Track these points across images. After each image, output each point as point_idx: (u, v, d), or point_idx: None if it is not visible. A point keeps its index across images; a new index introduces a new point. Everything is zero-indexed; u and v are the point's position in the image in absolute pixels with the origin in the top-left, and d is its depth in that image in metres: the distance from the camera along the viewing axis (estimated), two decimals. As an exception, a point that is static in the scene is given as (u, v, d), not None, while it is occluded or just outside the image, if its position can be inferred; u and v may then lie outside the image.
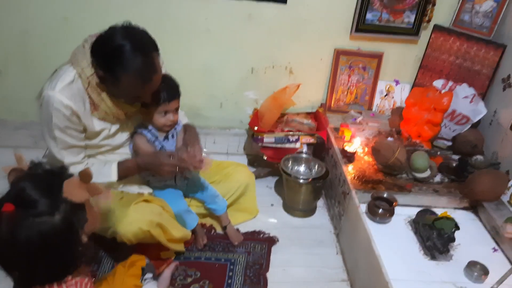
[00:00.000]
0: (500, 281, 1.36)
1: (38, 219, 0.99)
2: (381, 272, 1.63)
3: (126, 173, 1.73)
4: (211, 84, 2.49)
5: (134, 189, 1.82)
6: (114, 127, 1.74)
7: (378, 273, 1.65)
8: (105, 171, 1.69)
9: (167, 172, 1.71)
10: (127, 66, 1.46)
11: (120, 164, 1.72)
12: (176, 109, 1.78)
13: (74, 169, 1.56)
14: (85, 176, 1.10)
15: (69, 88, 1.54)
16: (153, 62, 1.52)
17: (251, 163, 2.61)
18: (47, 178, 1.06)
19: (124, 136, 1.80)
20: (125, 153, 1.82)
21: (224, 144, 2.66)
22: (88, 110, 1.62)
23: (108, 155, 1.78)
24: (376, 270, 1.67)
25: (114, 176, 1.69)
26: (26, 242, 0.98)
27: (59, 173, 1.09)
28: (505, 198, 2.07)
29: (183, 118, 1.98)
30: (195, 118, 2.00)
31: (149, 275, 1.64)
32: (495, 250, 1.94)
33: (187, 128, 1.91)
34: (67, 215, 1.04)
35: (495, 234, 1.99)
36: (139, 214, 1.61)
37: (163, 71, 1.82)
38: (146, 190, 1.84)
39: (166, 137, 1.84)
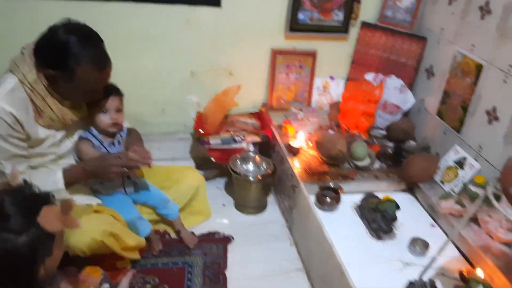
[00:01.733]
0: (439, 252, 1.50)
1: (5, 235, 0.97)
2: (334, 257, 1.72)
3: (72, 179, 1.68)
4: (152, 90, 2.48)
5: (82, 200, 1.78)
6: (60, 134, 1.70)
7: (332, 258, 1.73)
8: (51, 178, 1.64)
9: (116, 173, 1.69)
10: (79, 57, 1.48)
11: (66, 171, 1.67)
12: (118, 109, 1.77)
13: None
14: (66, 206, 1.08)
15: (11, 96, 1.51)
16: (104, 50, 1.57)
17: (198, 166, 2.62)
18: (30, 198, 1.04)
19: (69, 143, 1.76)
20: (70, 163, 1.78)
21: (169, 150, 2.65)
22: (32, 117, 1.58)
23: (52, 166, 1.73)
24: (329, 255, 1.75)
25: (60, 184, 1.63)
26: None
27: (44, 198, 1.06)
28: (437, 178, 2.25)
29: (124, 124, 1.96)
30: (137, 125, 1.98)
31: (106, 286, 1.61)
32: (432, 225, 2.11)
33: (129, 131, 1.91)
34: (34, 241, 1.01)
35: (432, 211, 2.16)
36: (91, 225, 1.58)
37: None
38: (95, 201, 1.81)
39: (112, 143, 1.82)
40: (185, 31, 2.39)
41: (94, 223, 1.59)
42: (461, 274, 1.73)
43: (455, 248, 1.93)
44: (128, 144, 1.84)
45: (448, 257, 1.86)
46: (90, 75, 1.54)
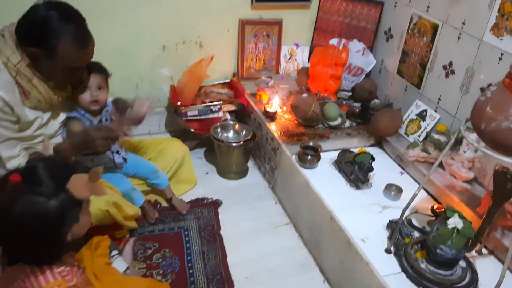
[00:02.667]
0: (414, 194, 1.68)
1: (37, 198, 1.03)
2: (322, 206, 1.88)
3: (63, 156, 1.69)
4: (124, 66, 2.49)
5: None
6: (46, 115, 1.72)
7: (320, 207, 1.89)
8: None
9: (101, 145, 1.70)
10: (61, 32, 1.49)
11: (56, 149, 1.70)
12: (100, 86, 1.79)
13: (13, 163, 1.57)
14: (95, 175, 1.15)
15: None
16: (86, 28, 1.58)
17: (176, 139, 2.69)
18: (60, 166, 1.10)
19: (56, 123, 1.78)
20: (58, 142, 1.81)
21: (144, 125, 2.65)
22: (18, 99, 1.59)
23: (41, 147, 1.75)
24: (318, 205, 1.91)
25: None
26: (17, 216, 1.02)
27: (73, 167, 1.12)
28: (402, 130, 2.46)
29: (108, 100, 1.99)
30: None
31: (115, 252, 1.69)
32: (402, 173, 2.32)
33: (114, 103, 1.94)
34: (63, 206, 1.08)
35: (400, 161, 2.37)
36: (96, 196, 1.64)
37: None
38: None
39: (100, 121, 1.86)
40: (153, 5, 2.41)
41: (98, 193, 1.65)
42: (432, 210, 1.94)
43: (423, 189, 2.15)
44: (119, 108, 1.89)
45: (418, 198, 2.07)
46: (71, 52, 1.54)
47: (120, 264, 1.69)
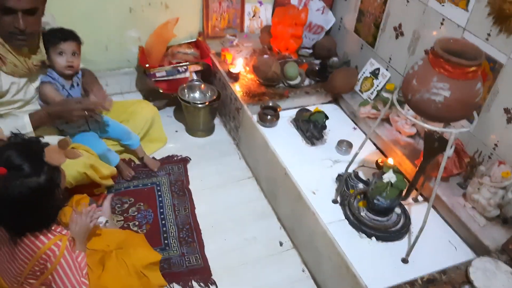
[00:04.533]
0: (360, 148, 1.91)
1: (27, 179, 1.22)
2: (278, 162, 2.10)
3: (38, 123, 1.87)
4: (93, 29, 2.56)
5: (51, 140, 1.98)
6: (23, 81, 1.86)
7: (276, 164, 2.12)
8: (19, 124, 1.82)
9: (78, 117, 1.90)
10: None
11: (31, 116, 1.86)
12: (74, 53, 1.93)
13: None
14: (64, 143, 1.33)
15: None
16: None
17: (146, 97, 2.82)
18: (27, 146, 1.27)
19: (33, 88, 1.92)
20: (35, 109, 1.95)
21: (116, 84, 2.82)
22: None
23: (19, 113, 1.90)
24: (274, 162, 2.14)
25: (28, 127, 1.83)
26: (19, 197, 1.21)
27: (36, 141, 1.29)
28: (357, 88, 2.66)
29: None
30: (83, 64, 2.15)
31: (93, 205, 1.91)
32: (354, 128, 2.55)
33: (83, 72, 2.09)
34: (50, 175, 1.28)
35: (353, 117, 2.59)
36: (74, 160, 1.82)
37: (55, 26, 1.97)
38: (64, 140, 2.03)
39: (72, 85, 2.01)
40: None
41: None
42: (377, 163, 2.20)
43: (372, 144, 2.39)
44: (85, 85, 2.05)
45: (367, 152, 2.33)
46: None
47: (99, 218, 1.92)
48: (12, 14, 1.64)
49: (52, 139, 1.96)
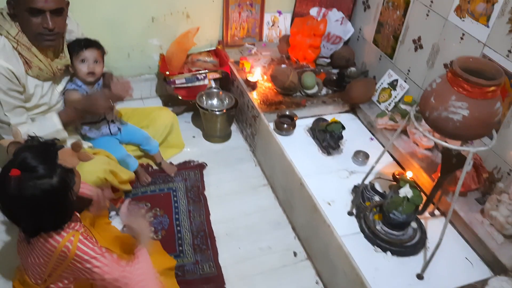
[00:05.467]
0: (377, 161, 1.91)
1: (40, 181, 1.24)
2: (293, 172, 2.12)
3: (67, 119, 1.92)
4: (116, 37, 2.63)
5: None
6: (47, 85, 1.92)
7: (292, 173, 2.13)
8: (48, 123, 1.88)
9: (104, 107, 1.92)
10: None
11: (60, 113, 1.91)
12: (95, 60, 1.98)
13: (23, 129, 1.79)
14: (77, 146, 1.36)
15: (3, 52, 1.71)
16: None
17: (166, 103, 2.88)
18: (43, 148, 1.30)
19: (57, 92, 1.99)
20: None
21: (137, 90, 2.84)
22: (23, 70, 1.78)
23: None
24: (289, 171, 2.15)
25: (58, 124, 1.88)
26: (31, 198, 1.24)
27: (52, 144, 1.33)
28: (374, 98, 2.65)
29: None
30: (106, 70, 2.19)
31: (113, 213, 1.95)
32: (371, 139, 2.54)
33: (103, 74, 2.12)
34: (62, 177, 1.30)
35: (371, 127, 2.59)
36: (93, 166, 1.85)
37: (79, 34, 2.03)
38: (86, 145, 2.07)
39: None
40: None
41: (96, 164, 1.86)
42: (393, 175, 2.19)
43: (389, 156, 2.39)
44: (105, 81, 2.08)
45: (384, 163, 2.32)
46: None
47: (118, 223, 1.96)
48: (40, 15, 1.70)
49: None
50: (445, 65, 2.25)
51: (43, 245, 1.36)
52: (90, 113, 1.99)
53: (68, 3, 1.82)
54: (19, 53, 1.76)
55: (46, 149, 1.31)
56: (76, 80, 1.99)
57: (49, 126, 1.87)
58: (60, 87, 2.00)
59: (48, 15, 1.71)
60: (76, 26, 2.06)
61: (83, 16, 2.42)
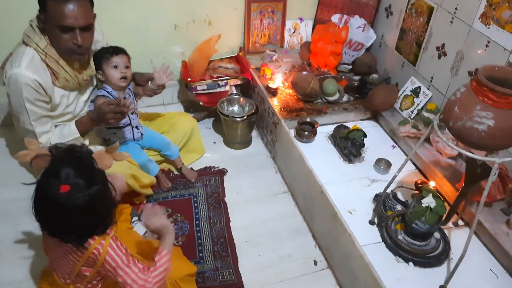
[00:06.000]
0: (400, 169, 1.89)
1: (87, 191, 1.28)
2: (314, 179, 2.11)
3: (83, 128, 1.97)
4: (139, 44, 2.67)
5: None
6: (72, 94, 1.97)
7: (312, 180, 2.12)
8: (66, 131, 1.93)
9: (112, 118, 1.90)
10: None
11: (77, 122, 1.97)
12: (126, 65, 2.02)
13: (46, 137, 1.86)
14: (112, 148, 1.44)
15: (32, 64, 1.76)
16: None
17: (187, 109, 2.91)
18: (77, 158, 1.33)
19: (81, 102, 2.04)
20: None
21: (159, 96, 2.83)
22: (50, 81, 1.84)
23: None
24: (310, 178, 2.14)
25: (76, 133, 1.94)
26: (83, 205, 1.28)
27: (82, 150, 1.36)
28: (397, 105, 2.63)
29: None
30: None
31: (135, 218, 1.97)
32: (393, 147, 2.51)
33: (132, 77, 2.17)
34: (102, 179, 1.36)
35: (393, 135, 2.56)
36: (115, 170, 1.88)
37: (104, 43, 2.07)
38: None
39: (124, 98, 2.08)
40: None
41: (118, 168, 1.88)
42: (416, 184, 2.16)
43: (412, 164, 2.35)
44: (139, 82, 2.20)
45: (406, 172, 2.29)
46: (58, 8, 1.69)
47: (140, 228, 1.98)
48: (70, 32, 1.75)
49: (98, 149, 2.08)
50: (470, 73, 2.21)
51: (76, 248, 1.39)
52: (102, 122, 2.01)
53: (95, 16, 1.86)
54: (47, 65, 1.81)
55: (80, 157, 1.35)
56: (106, 87, 2.03)
57: (68, 134, 1.92)
58: (84, 97, 2.06)
59: (78, 31, 1.76)
60: (102, 36, 2.11)
61: (108, 25, 2.47)
